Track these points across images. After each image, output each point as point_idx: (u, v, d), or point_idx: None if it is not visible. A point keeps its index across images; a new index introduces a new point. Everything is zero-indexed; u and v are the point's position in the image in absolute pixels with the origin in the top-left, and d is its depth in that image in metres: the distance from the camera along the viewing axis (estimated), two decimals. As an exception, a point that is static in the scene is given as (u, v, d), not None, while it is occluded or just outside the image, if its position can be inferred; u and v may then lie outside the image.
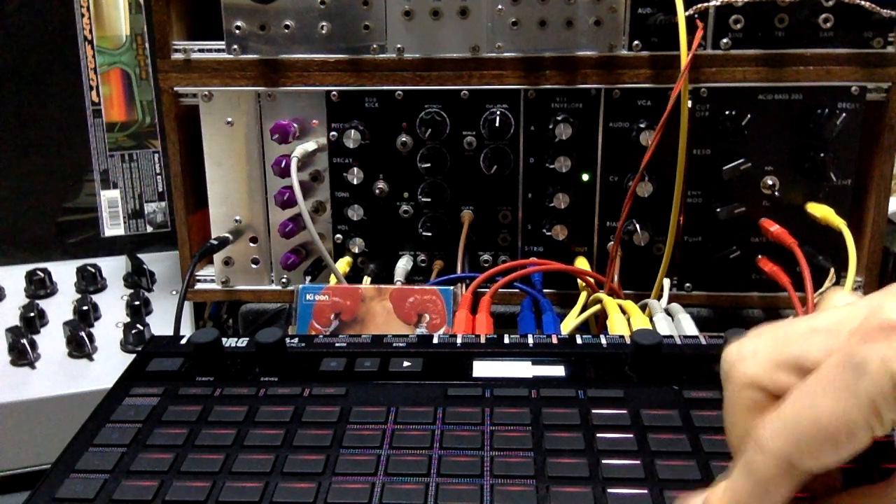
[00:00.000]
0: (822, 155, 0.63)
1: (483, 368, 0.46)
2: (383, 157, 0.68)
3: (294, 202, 0.65)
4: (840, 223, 0.62)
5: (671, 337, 0.48)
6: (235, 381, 0.45)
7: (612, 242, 0.67)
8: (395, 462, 0.38)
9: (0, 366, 0.65)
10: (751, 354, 0.30)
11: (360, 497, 0.36)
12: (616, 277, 0.66)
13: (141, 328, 0.68)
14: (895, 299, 0.26)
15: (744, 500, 0.29)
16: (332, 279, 0.67)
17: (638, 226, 0.66)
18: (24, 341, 0.65)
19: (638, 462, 0.37)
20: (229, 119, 0.68)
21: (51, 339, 0.69)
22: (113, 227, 0.87)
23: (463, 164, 0.68)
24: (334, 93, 0.67)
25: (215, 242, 0.70)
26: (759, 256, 0.67)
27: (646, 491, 0.35)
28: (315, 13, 0.65)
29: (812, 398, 0.27)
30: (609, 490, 0.35)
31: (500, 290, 0.64)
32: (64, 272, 0.81)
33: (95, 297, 0.76)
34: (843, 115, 0.63)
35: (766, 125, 0.64)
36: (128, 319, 0.73)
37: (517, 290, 0.66)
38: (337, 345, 0.49)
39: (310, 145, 0.67)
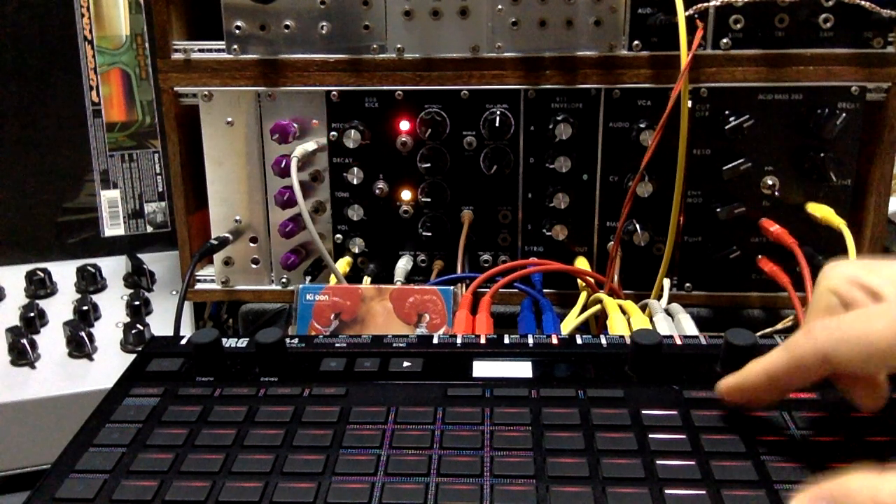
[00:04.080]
0: (822, 155, 0.63)
1: (483, 368, 0.46)
2: (383, 157, 0.68)
3: (294, 202, 0.65)
4: (840, 223, 0.62)
5: (671, 337, 0.48)
6: (235, 382, 0.45)
7: (612, 242, 0.67)
8: (395, 462, 0.38)
9: (0, 366, 0.65)
10: (841, 270, 0.38)
11: (360, 497, 0.36)
12: (616, 277, 0.66)
13: (141, 328, 0.68)
14: None
15: (774, 371, 0.36)
16: (332, 279, 0.67)
17: (638, 226, 0.66)
18: (24, 341, 0.65)
19: (638, 462, 0.37)
20: (229, 119, 0.68)
21: (51, 339, 0.69)
22: (113, 227, 0.87)
23: (463, 164, 0.68)
24: (334, 93, 0.67)
25: (215, 242, 0.70)
26: (759, 256, 0.67)
27: (646, 490, 0.35)
28: (315, 13, 0.65)
29: (869, 318, 0.33)
30: (609, 490, 0.35)
31: (500, 290, 0.64)
32: (64, 272, 0.81)
33: (95, 297, 0.76)
34: (843, 115, 0.63)
35: (766, 125, 0.64)
36: (128, 319, 0.73)
37: (517, 290, 0.66)
38: (337, 345, 0.49)
39: (310, 145, 0.67)
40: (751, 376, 0.38)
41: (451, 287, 0.61)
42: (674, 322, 0.59)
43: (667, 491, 0.35)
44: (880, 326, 0.33)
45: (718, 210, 0.65)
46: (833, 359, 0.34)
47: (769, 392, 0.37)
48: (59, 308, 0.75)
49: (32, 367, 0.65)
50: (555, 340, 0.49)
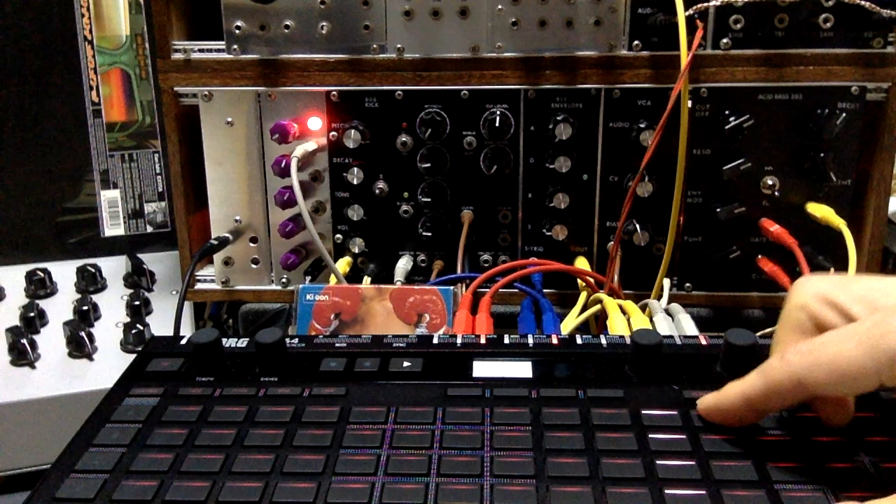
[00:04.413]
0: (822, 155, 0.63)
1: (483, 368, 0.46)
2: (383, 157, 0.68)
3: (294, 202, 0.65)
4: (840, 223, 0.62)
5: (671, 337, 0.48)
6: (235, 382, 0.45)
7: (612, 242, 0.67)
8: (395, 462, 0.38)
9: (0, 366, 0.65)
10: (811, 286, 0.38)
11: (360, 497, 0.36)
12: (616, 277, 0.66)
13: (141, 328, 0.68)
14: None
15: (750, 395, 0.36)
16: (332, 279, 0.67)
17: (638, 226, 0.66)
18: (24, 341, 0.65)
19: (638, 462, 0.37)
20: (229, 119, 0.68)
21: (51, 339, 0.69)
22: (113, 227, 0.87)
23: (463, 164, 0.68)
24: (334, 93, 0.67)
25: (215, 242, 0.70)
26: (759, 256, 0.67)
27: (646, 490, 0.35)
28: (315, 13, 0.65)
29: (840, 341, 0.33)
30: (609, 490, 0.35)
31: (500, 290, 0.64)
32: (64, 272, 0.81)
33: (95, 297, 0.76)
34: (843, 115, 0.63)
35: (766, 125, 0.64)
36: (128, 319, 0.73)
37: (517, 290, 0.66)
38: (337, 345, 0.49)
39: (310, 145, 0.67)
40: (728, 399, 0.38)
41: (451, 287, 0.61)
42: (674, 322, 0.59)
43: (667, 491, 0.35)
44: (849, 350, 0.33)
45: (718, 210, 0.65)
46: (807, 383, 0.34)
47: (747, 415, 0.38)
48: (59, 308, 0.75)
49: (32, 367, 0.65)
50: (555, 340, 0.49)
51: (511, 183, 0.68)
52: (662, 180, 0.64)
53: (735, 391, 0.38)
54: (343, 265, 0.70)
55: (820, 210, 0.65)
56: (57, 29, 0.82)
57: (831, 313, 0.37)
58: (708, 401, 0.39)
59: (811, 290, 0.38)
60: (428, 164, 0.67)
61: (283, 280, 0.72)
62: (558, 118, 0.65)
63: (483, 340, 0.49)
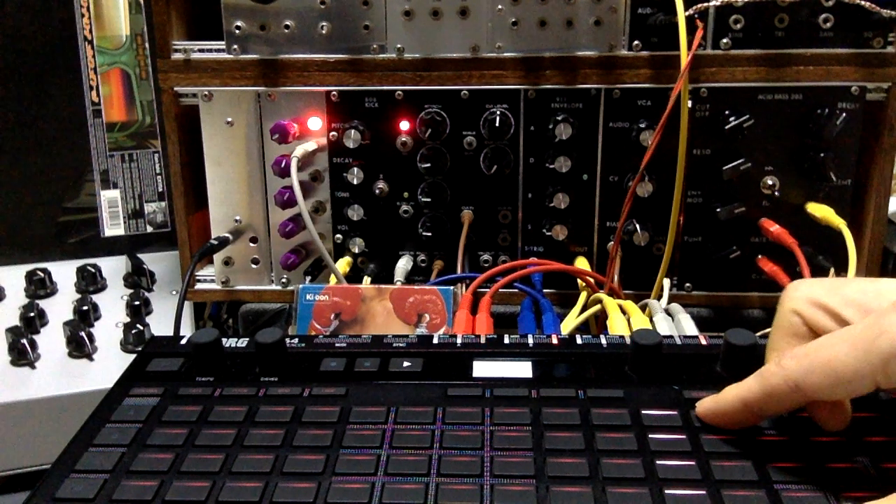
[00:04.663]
0: (822, 155, 0.63)
1: (483, 368, 0.46)
2: (383, 157, 0.68)
3: (294, 202, 0.65)
4: (840, 223, 0.63)
5: (671, 337, 0.48)
6: (235, 382, 0.45)
7: (612, 242, 0.67)
8: (395, 462, 0.38)
9: (0, 366, 0.65)
10: (803, 291, 0.38)
11: (360, 497, 0.36)
12: (616, 277, 0.66)
13: (141, 328, 0.68)
14: None
15: (748, 399, 0.37)
16: (332, 279, 0.67)
17: (638, 226, 0.66)
18: (24, 341, 0.65)
19: (638, 462, 0.37)
20: (229, 119, 0.68)
21: (51, 339, 0.69)
22: (113, 227, 0.87)
23: (463, 164, 0.68)
24: (334, 93, 0.67)
25: (215, 242, 0.70)
26: (759, 256, 0.67)
27: (646, 490, 0.35)
28: (315, 13, 0.65)
29: (834, 344, 0.33)
30: (609, 490, 0.35)
31: (500, 290, 0.64)
32: (64, 272, 0.81)
33: (95, 297, 0.76)
34: (843, 115, 0.63)
35: (766, 125, 0.64)
36: (128, 319, 0.73)
37: (517, 290, 0.66)
38: (337, 345, 0.49)
39: (310, 145, 0.67)
40: (726, 403, 0.38)
41: (451, 287, 0.61)
42: (674, 322, 0.59)
43: (667, 491, 0.35)
44: (844, 353, 0.33)
45: (718, 210, 0.65)
46: (804, 387, 0.34)
47: (745, 418, 0.38)
48: (59, 308, 0.75)
49: (32, 367, 0.65)
50: (555, 340, 0.49)
51: (511, 183, 0.68)
52: (662, 180, 0.64)
53: (733, 395, 0.38)
54: (343, 265, 0.70)
55: (820, 210, 0.65)
56: (57, 29, 0.82)
57: (824, 318, 0.37)
58: (706, 404, 0.39)
59: (803, 295, 0.38)
60: (428, 164, 0.67)
61: (283, 280, 0.72)
62: (558, 118, 0.65)
63: (483, 340, 0.49)
